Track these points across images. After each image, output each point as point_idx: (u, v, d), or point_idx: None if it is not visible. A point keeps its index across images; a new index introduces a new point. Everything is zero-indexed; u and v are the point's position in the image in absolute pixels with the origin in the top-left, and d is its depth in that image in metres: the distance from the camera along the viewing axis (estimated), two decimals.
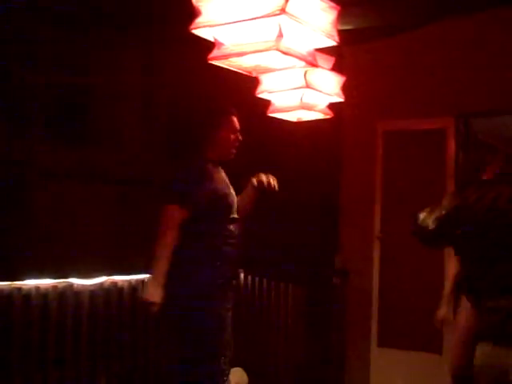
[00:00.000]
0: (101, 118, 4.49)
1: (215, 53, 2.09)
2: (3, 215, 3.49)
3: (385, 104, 4.90)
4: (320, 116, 3.35)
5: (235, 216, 3.18)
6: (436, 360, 4.40)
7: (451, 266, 3.56)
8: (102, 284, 3.86)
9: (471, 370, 2.42)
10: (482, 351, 2.33)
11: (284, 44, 1.96)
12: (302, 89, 2.92)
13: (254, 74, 2.35)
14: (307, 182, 5.07)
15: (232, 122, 3.24)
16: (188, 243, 3.03)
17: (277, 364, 4.64)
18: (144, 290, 3.12)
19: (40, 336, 3.45)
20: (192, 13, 2.05)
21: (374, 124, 4.91)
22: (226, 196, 3.13)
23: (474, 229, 2.35)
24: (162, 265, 2.95)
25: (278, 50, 1.94)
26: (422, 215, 2.52)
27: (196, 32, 2.06)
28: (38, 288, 3.49)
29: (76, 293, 3.70)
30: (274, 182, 3.34)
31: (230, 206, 3.15)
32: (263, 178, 3.32)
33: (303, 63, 2.15)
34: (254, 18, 1.90)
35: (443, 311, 3.51)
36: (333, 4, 2.11)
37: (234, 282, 3.30)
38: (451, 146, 4.59)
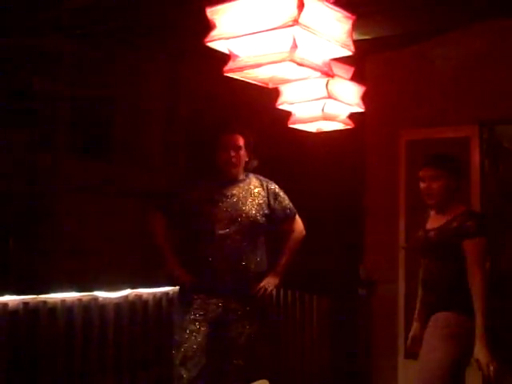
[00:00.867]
0: (125, 131, 4.53)
1: (230, 65, 2.11)
2: (28, 229, 3.54)
3: (408, 113, 4.86)
4: (340, 126, 3.35)
5: (221, 232, 3.30)
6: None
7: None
8: (126, 297, 3.89)
9: None
10: None
11: (298, 55, 1.96)
12: (323, 99, 2.92)
13: (270, 86, 2.36)
14: (331, 193, 5.05)
15: (222, 141, 3.40)
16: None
17: (302, 377, 4.60)
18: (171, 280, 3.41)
19: (65, 349, 3.49)
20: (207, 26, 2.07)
21: (397, 133, 4.87)
22: (201, 213, 3.33)
23: None
24: (167, 253, 3.38)
25: (292, 60, 1.94)
26: None
27: (211, 45, 2.08)
28: (63, 301, 3.53)
29: (101, 306, 3.74)
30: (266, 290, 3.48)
31: (205, 223, 3.32)
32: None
33: (319, 74, 2.15)
34: (268, 30, 1.90)
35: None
36: (348, 14, 2.11)
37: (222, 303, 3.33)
38: (475, 154, 4.53)
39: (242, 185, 3.45)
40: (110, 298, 3.80)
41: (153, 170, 4.44)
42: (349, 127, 3.36)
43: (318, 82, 2.79)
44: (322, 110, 3.04)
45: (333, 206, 5.01)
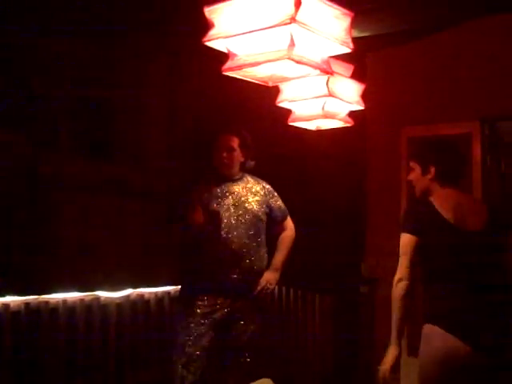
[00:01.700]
0: (125, 131, 4.52)
1: (229, 64, 2.11)
2: (29, 229, 3.54)
3: (409, 110, 4.85)
4: (340, 124, 3.35)
5: (227, 229, 3.32)
6: None
7: None
8: (128, 296, 3.89)
9: None
10: None
11: (296, 53, 1.96)
12: (324, 97, 2.92)
13: (270, 84, 2.36)
14: (332, 190, 5.04)
15: (216, 141, 3.46)
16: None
17: (305, 374, 4.60)
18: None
19: (67, 349, 3.48)
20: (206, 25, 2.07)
21: (398, 130, 4.86)
22: (206, 212, 3.32)
23: None
24: None
25: (290, 58, 1.94)
26: None
27: (209, 44, 2.08)
28: (65, 301, 3.52)
29: (103, 306, 3.73)
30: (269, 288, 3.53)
31: (211, 221, 3.32)
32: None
33: (318, 71, 2.14)
34: (265, 28, 1.90)
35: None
36: (346, 11, 2.11)
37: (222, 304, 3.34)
38: (477, 150, 4.52)
39: (240, 183, 3.50)
40: (112, 298, 3.80)
41: (153, 170, 4.42)
42: (348, 125, 3.36)
43: (319, 79, 2.80)
44: (323, 108, 3.05)
45: (334, 204, 5.00)
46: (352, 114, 3.30)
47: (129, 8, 3.69)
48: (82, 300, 3.61)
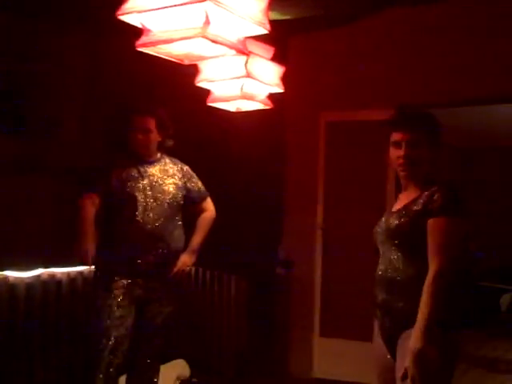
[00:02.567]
0: (41, 106, 4.37)
1: (143, 40, 2.05)
2: None
3: (328, 95, 4.91)
4: (260, 106, 3.34)
5: (142, 210, 3.27)
6: None
7: None
8: (38, 276, 3.79)
9: None
10: None
11: (211, 31, 1.93)
12: (242, 78, 2.90)
13: (186, 62, 2.31)
14: (250, 173, 5.07)
15: (132, 122, 3.38)
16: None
17: (219, 355, 4.63)
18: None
19: None
20: None
21: (317, 114, 4.91)
22: (122, 193, 3.29)
23: None
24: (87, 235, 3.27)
25: (204, 37, 1.91)
26: None
27: (123, 18, 2.02)
28: None
29: (11, 286, 3.62)
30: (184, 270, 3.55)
31: (126, 202, 3.28)
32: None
33: (234, 51, 2.12)
34: (180, 4, 1.86)
35: None
36: None
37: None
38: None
39: (157, 165, 3.45)
40: (22, 278, 3.68)
41: (68, 146, 4.30)
42: (268, 107, 3.36)
43: (237, 60, 2.77)
44: (241, 89, 3.02)
45: (253, 186, 5.02)
46: (272, 97, 3.29)
47: None
48: None
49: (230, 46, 2.06)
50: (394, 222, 2.31)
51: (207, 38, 1.92)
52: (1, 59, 4.05)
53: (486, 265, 7.81)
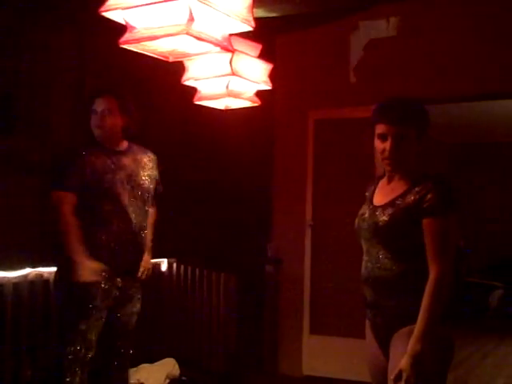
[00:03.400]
0: (29, 105, 4.34)
1: (127, 37, 2.03)
2: None
3: (317, 92, 4.91)
4: (248, 104, 3.32)
5: (123, 203, 3.13)
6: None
7: None
8: (26, 276, 3.76)
9: None
10: None
11: (195, 28, 1.91)
12: (227, 76, 2.89)
13: (170, 59, 2.29)
14: (240, 171, 5.06)
15: (92, 104, 3.18)
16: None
17: (209, 353, 4.61)
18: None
19: None
20: None
21: (305, 112, 4.91)
22: (99, 187, 3.11)
23: None
24: (74, 242, 3.02)
25: (188, 34, 1.89)
26: None
27: (106, 15, 2.00)
28: None
29: None
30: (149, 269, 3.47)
31: (104, 196, 3.11)
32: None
33: (218, 48, 2.11)
34: (164, 1, 1.85)
35: None
36: None
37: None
38: None
39: (130, 155, 3.27)
40: (9, 278, 3.66)
41: (58, 145, 4.26)
42: (256, 105, 3.34)
43: (222, 58, 2.76)
44: (227, 86, 3.01)
45: (241, 184, 5.02)
46: (261, 94, 3.28)
47: None
48: None
49: (215, 43, 2.05)
50: (382, 218, 2.22)
51: (191, 35, 1.90)
52: None
53: (475, 262, 7.86)
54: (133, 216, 3.17)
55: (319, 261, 4.84)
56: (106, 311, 3.16)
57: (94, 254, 3.07)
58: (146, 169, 3.32)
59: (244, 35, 2.41)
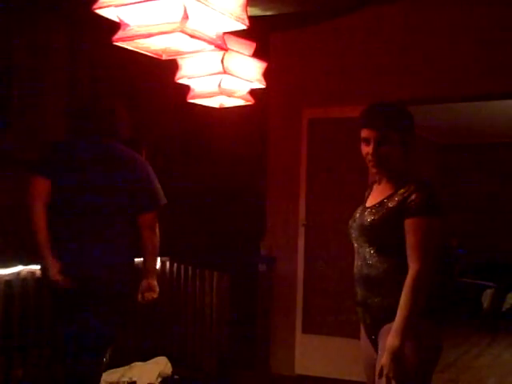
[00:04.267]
0: (23, 102, 4.33)
1: (120, 34, 2.02)
2: None
3: (310, 91, 4.91)
4: (241, 102, 3.31)
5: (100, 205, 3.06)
6: (358, 345, 4.46)
7: None
8: (18, 273, 3.75)
9: None
10: None
11: (190, 26, 1.91)
12: (219, 74, 2.88)
13: (164, 57, 2.28)
14: (233, 170, 5.06)
15: None
16: None
17: (202, 352, 4.61)
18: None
19: None
20: None
21: (299, 111, 4.91)
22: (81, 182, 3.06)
23: None
24: (44, 241, 3.01)
25: (183, 31, 1.88)
26: None
27: (100, 12, 1.98)
28: None
29: None
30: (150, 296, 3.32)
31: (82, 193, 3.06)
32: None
33: (212, 47, 2.10)
34: None
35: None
36: None
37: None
38: None
39: (122, 158, 3.21)
40: (1, 275, 3.65)
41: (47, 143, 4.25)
42: (249, 103, 3.33)
43: (214, 56, 2.75)
44: (219, 85, 3.01)
45: (235, 183, 5.01)
46: (254, 93, 3.27)
47: None
48: None
49: (209, 41, 2.04)
50: (368, 218, 2.31)
51: (185, 33, 1.89)
52: None
53: (467, 261, 7.88)
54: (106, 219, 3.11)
55: (312, 260, 4.84)
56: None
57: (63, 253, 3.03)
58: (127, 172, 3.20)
59: (238, 34, 2.40)
